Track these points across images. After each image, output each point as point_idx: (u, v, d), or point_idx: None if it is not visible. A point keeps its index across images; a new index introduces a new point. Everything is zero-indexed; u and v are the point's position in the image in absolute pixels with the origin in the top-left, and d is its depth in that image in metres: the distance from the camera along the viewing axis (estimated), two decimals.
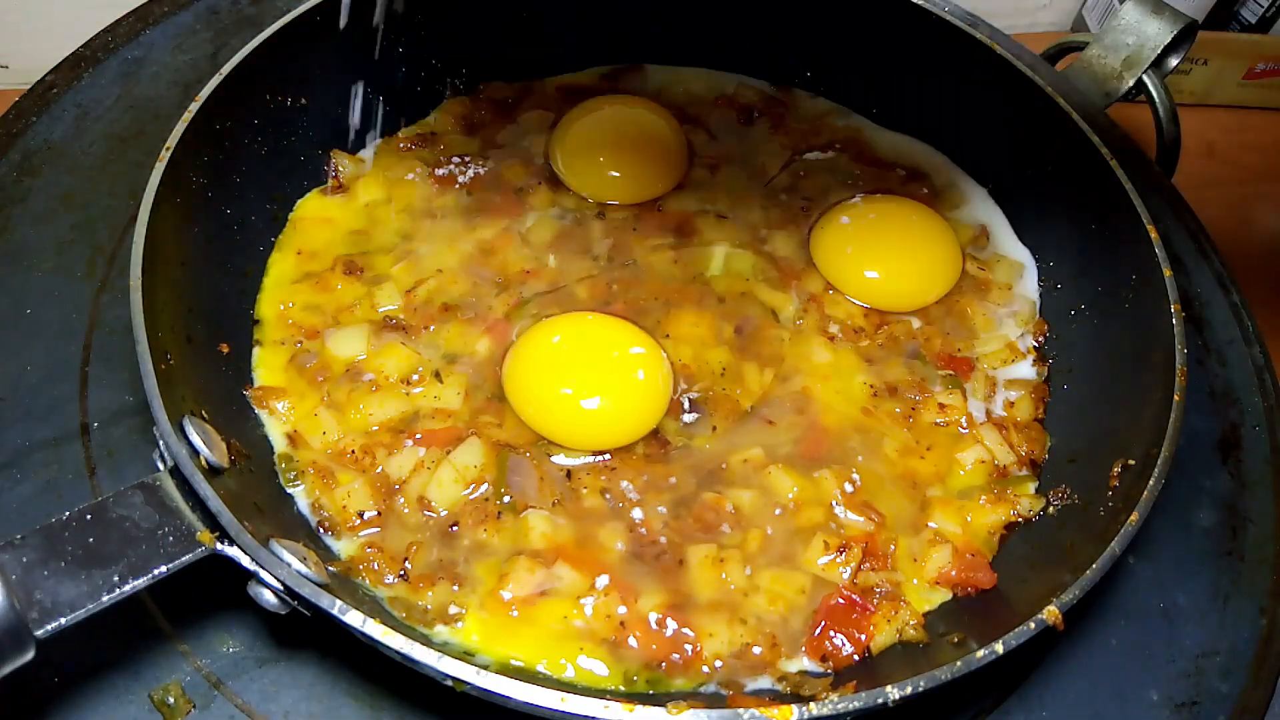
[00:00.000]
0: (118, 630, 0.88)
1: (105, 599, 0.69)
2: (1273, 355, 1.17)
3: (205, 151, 0.97)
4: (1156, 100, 1.26)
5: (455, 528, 0.90)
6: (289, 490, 0.91)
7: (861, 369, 1.04)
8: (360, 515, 0.90)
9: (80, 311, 1.06)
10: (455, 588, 0.87)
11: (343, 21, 1.05)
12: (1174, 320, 0.94)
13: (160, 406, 0.77)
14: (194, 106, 0.95)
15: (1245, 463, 1.09)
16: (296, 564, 0.74)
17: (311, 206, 1.10)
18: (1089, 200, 1.09)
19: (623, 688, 0.83)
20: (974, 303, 1.11)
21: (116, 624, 0.84)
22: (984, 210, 1.20)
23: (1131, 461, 0.90)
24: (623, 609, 0.86)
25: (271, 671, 0.88)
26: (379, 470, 0.92)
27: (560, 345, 0.99)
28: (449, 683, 0.71)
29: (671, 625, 0.86)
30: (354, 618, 0.71)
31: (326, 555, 0.87)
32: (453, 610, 0.85)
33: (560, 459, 0.95)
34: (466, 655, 0.83)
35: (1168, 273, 0.96)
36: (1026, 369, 1.08)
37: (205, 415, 0.83)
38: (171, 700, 0.85)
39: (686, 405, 1.00)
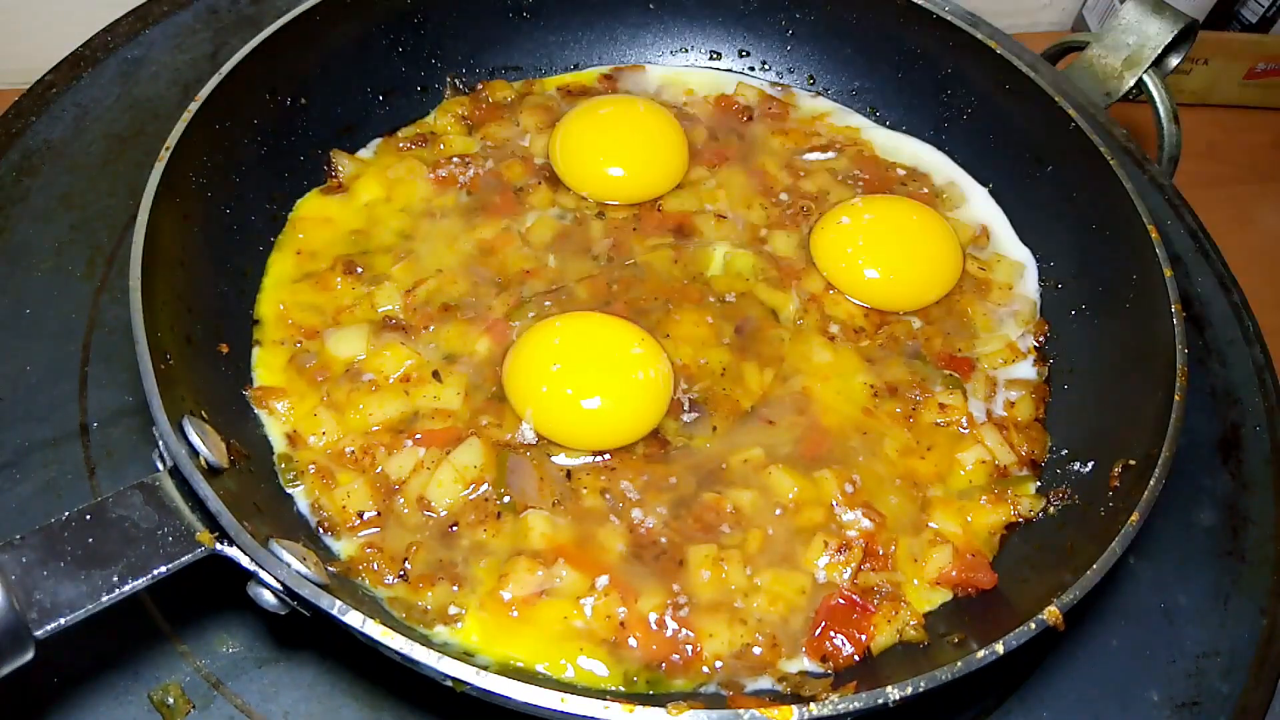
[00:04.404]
0: (117, 630, 0.88)
1: (105, 599, 0.69)
2: (1273, 355, 1.17)
3: (205, 151, 0.97)
4: (1157, 100, 1.26)
5: (455, 528, 0.90)
6: (289, 490, 0.91)
7: (862, 369, 1.04)
8: (360, 515, 0.90)
9: (80, 311, 1.06)
10: (455, 588, 0.86)
11: None
12: (1174, 320, 0.94)
13: (160, 406, 0.77)
14: (194, 106, 0.95)
15: (1246, 463, 1.09)
16: (296, 564, 0.74)
17: (311, 206, 1.10)
18: (1089, 200, 1.09)
19: (623, 688, 0.83)
20: (974, 303, 1.11)
21: (116, 624, 0.84)
22: (984, 210, 1.20)
23: (1132, 461, 0.90)
24: (623, 609, 0.86)
25: (271, 671, 0.88)
26: (379, 470, 0.92)
27: (560, 345, 0.99)
28: (449, 683, 0.71)
29: (671, 625, 0.86)
30: (354, 618, 0.71)
31: (326, 555, 0.87)
32: (453, 610, 0.85)
33: (560, 459, 0.95)
34: (466, 655, 0.83)
35: (1168, 273, 0.96)
36: (1027, 369, 1.08)
37: (205, 415, 0.83)
38: (171, 700, 0.85)
39: (686, 405, 0.99)
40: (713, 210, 1.15)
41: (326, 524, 0.90)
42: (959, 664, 0.73)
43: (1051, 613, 0.76)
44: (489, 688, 0.69)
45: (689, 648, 0.85)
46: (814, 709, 0.70)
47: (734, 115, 1.25)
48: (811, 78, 1.30)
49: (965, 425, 1.01)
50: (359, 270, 1.05)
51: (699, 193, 1.17)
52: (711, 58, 1.31)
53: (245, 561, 0.73)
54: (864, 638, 0.87)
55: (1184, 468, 1.01)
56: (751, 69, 1.31)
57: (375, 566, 0.87)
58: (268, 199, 1.08)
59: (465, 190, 1.14)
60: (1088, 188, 1.09)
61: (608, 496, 0.93)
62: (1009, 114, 1.16)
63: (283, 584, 0.73)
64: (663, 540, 0.91)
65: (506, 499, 0.91)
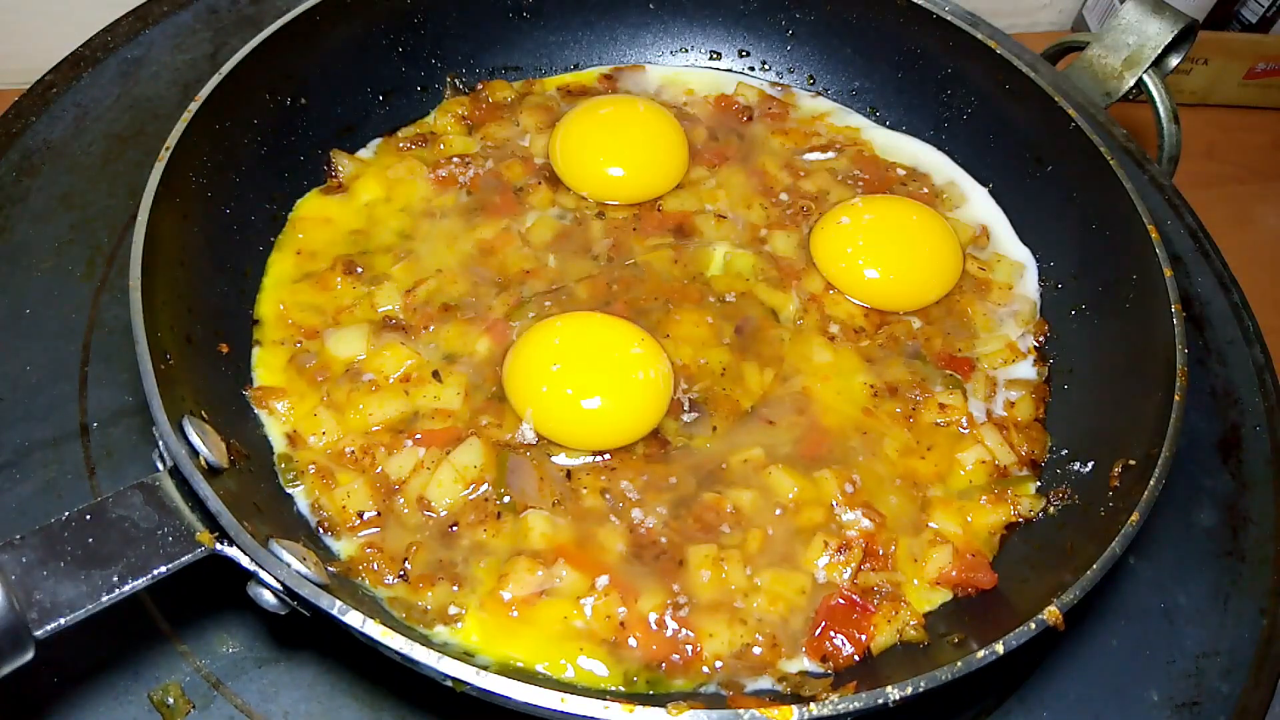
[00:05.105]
0: (117, 630, 0.88)
1: (105, 599, 0.69)
2: (1273, 355, 1.17)
3: (205, 151, 0.98)
4: (1157, 100, 1.26)
5: (455, 528, 0.90)
6: (289, 490, 0.91)
7: (862, 369, 1.04)
8: (360, 515, 0.90)
9: (80, 311, 1.06)
10: (455, 588, 0.86)
11: None
12: (1174, 320, 0.94)
13: (160, 406, 0.77)
14: (194, 106, 0.95)
15: (1246, 463, 1.09)
16: (296, 564, 0.74)
17: (311, 206, 1.10)
18: (1089, 200, 1.09)
19: (623, 688, 0.83)
20: (974, 303, 1.11)
21: (116, 624, 0.84)
22: (984, 210, 1.20)
23: (1132, 462, 0.90)
24: (623, 609, 0.86)
25: (271, 671, 0.88)
26: (379, 470, 0.92)
27: (560, 345, 0.99)
28: (449, 683, 0.71)
29: (671, 625, 0.86)
30: (354, 618, 0.71)
31: (326, 555, 0.87)
32: (452, 610, 0.85)
33: (560, 459, 0.95)
34: (466, 656, 0.83)
35: (1168, 273, 0.96)
36: (1027, 369, 1.08)
37: (205, 415, 0.83)
38: (171, 700, 0.85)
39: (686, 405, 0.99)
40: (713, 210, 1.15)
41: (326, 524, 0.90)
42: (959, 664, 0.73)
43: (1051, 613, 0.76)
44: (489, 688, 0.69)
45: (689, 648, 0.85)
46: (814, 709, 0.70)
47: (734, 115, 1.25)
48: (811, 78, 1.30)
49: (965, 425, 1.01)
50: (359, 270, 1.05)
51: (699, 193, 1.17)
52: (711, 58, 1.31)
53: (245, 561, 0.73)
54: (864, 638, 0.87)
55: (1184, 468, 1.01)
56: (751, 69, 1.31)
57: (375, 566, 0.87)
58: (268, 199, 1.08)
59: (465, 190, 1.14)
60: (1088, 188, 1.09)
61: (608, 496, 0.93)
62: (1009, 114, 1.16)
63: (283, 584, 0.73)
64: (663, 540, 0.91)
65: (506, 499, 0.91)
